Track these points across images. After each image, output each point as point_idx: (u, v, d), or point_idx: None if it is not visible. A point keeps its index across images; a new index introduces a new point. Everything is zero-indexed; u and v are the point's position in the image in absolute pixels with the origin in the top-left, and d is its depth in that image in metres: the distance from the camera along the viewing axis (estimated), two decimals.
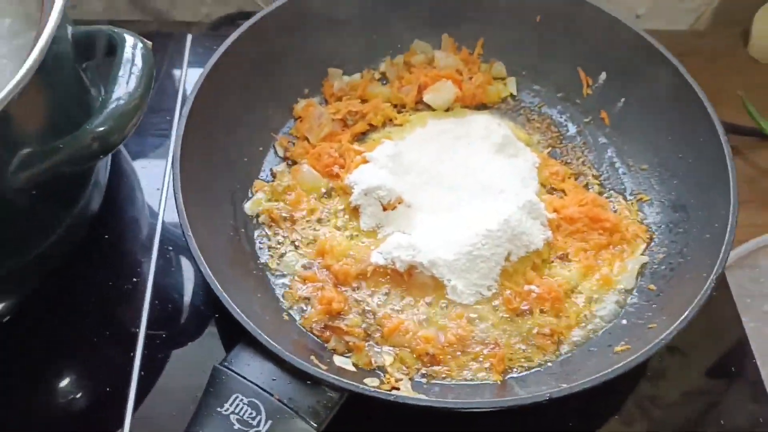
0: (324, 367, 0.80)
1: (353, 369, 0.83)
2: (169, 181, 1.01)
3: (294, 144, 1.04)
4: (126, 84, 0.75)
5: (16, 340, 0.87)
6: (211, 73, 0.94)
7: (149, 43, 0.79)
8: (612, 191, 1.02)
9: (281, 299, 0.90)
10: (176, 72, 1.16)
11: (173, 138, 0.87)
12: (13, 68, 0.69)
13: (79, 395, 0.86)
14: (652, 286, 0.91)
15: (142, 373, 0.86)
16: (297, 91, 1.08)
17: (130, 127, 0.74)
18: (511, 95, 1.12)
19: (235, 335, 0.77)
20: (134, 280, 0.94)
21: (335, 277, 0.90)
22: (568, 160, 1.06)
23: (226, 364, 0.75)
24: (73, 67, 0.83)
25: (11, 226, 0.78)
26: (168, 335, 0.90)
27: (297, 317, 0.88)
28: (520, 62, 1.13)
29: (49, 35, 0.70)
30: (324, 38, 1.08)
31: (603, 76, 1.08)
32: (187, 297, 0.94)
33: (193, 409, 0.74)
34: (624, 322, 0.89)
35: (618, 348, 0.84)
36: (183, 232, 0.81)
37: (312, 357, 0.81)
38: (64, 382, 0.88)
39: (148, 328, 0.90)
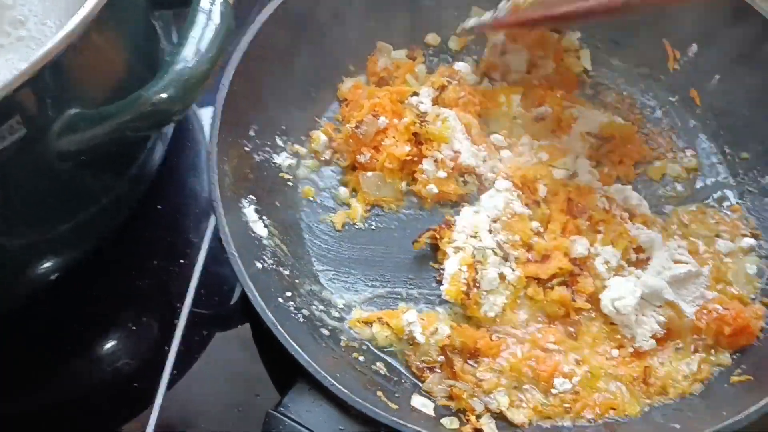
0: (394, 407, 0.68)
1: (431, 413, 0.71)
2: None
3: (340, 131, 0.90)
4: (197, 43, 0.61)
5: (58, 305, 0.80)
6: (250, 49, 0.81)
7: None
8: None
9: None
10: None
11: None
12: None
13: (117, 364, 0.79)
14: None
15: (181, 348, 0.79)
16: (342, 69, 0.94)
17: (195, 96, 0.61)
18: (585, 71, 0.97)
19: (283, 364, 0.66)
20: (182, 261, 0.85)
21: None
22: (653, 147, 0.91)
23: (282, 410, 0.64)
24: (144, 13, 0.70)
25: (48, 192, 0.64)
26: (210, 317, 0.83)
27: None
28: (593, 32, 0.97)
29: None
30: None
31: (694, 48, 0.92)
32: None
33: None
34: None
35: (735, 378, 0.72)
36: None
37: (379, 393, 0.69)
38: (103, 350, 0.81)
39: (192, 306, 0.82)
